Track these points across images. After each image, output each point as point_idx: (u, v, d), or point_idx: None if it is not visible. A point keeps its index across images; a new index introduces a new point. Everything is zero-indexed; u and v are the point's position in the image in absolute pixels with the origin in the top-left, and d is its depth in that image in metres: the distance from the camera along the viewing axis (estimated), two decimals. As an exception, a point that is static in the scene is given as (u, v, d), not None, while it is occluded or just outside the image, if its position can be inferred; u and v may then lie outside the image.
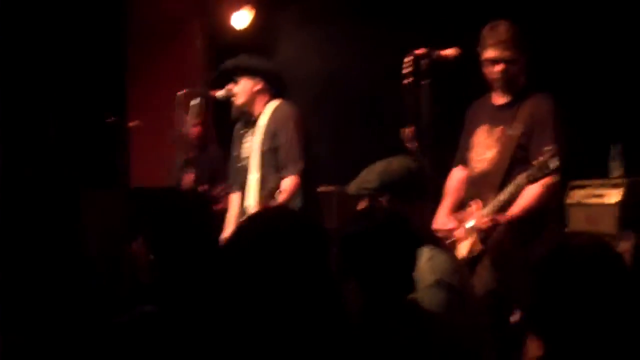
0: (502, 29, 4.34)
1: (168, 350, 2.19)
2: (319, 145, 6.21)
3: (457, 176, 4.61)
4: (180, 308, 2.42)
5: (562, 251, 1.98)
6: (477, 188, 4.33)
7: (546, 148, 4.04)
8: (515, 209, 4.13)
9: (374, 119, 6.46)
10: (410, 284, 2.79)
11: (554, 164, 3.87)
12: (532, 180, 3.95)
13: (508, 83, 4.37)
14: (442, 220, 4.42)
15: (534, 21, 5.16)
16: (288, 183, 4.91)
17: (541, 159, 3.91)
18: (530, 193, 4.12)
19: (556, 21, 5.79)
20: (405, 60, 4.37)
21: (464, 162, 4.55)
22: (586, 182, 5.29)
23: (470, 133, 4.50)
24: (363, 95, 6.62)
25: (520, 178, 4.01)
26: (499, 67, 4.34)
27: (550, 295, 1.93)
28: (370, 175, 3.39)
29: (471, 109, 4.62)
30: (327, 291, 2.14)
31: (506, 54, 4.32)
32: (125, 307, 2.53)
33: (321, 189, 6.35)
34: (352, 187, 3.44)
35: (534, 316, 1.96)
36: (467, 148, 4.52)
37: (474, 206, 4.30)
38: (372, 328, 2.70)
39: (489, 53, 4.35)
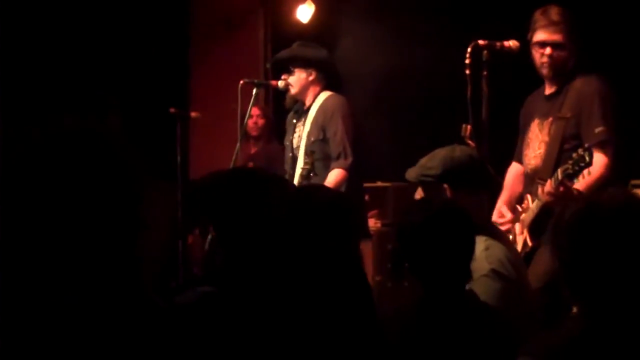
0: (553, 11, 4.23)
1: (229, 330, 2.21)
2: (377, 140, 6.24)
3: (513, 171, 4.55)
4: (237, 288, 2.44)
5: (592, 207, 1.95)
6: (532, 184, 4.26)
7: (597, 130, 3.95)
8: (580, 186, 3.94)
9: (434, 114, 6.44)
10: (467, 274, 2.76)
11: (589, 157, 3.70)
12: (569, 174, 3.78)
13: (555, 69, 4.24)
14: (497, 211, 4.38)
15: (595, 12, 5.11)
16: (334, 176, 4.92)
17: (579, 151, 3.77)
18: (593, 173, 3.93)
19: (619, 13, 5.71)
20: (468, 50, 4.36)
21: (520, 159, 4.50)
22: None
23: (525, 129, 4.44)
24: (424, 90, 6.60)
25: (558, 173, 3.87)
26: (546, 51, 4.23)
27: (581, 252, 1.91)
28: (432, 162, 3.34)
29: (525, 104, 4.56)
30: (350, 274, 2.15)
31: (555, 37, 4.20)
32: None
33: (378, 184, 6.37)
34: (412, 174, 3.40)
35: (567, 274, 1.94)
36: (523, 145, 4.46)
37: (526, 202, 4.24)
38: (429, 318, 2.70)
39: (539, 36, 4.24)
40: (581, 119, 4.13)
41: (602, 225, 1.91)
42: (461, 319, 2.66)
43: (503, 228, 4.18)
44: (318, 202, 2.24)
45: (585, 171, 3.74)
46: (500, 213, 4.34)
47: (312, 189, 3.25)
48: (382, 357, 2.17)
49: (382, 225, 6.30)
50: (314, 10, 7.16)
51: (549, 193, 3.92)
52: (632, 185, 5.21)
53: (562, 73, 4.27)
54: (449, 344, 2.59)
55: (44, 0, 6.53)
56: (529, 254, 4.07)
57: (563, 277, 1.96)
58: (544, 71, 4.29)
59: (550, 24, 4.22)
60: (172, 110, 6.77)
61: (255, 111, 5.70)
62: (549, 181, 3.94)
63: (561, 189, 3.86)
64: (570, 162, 3.77)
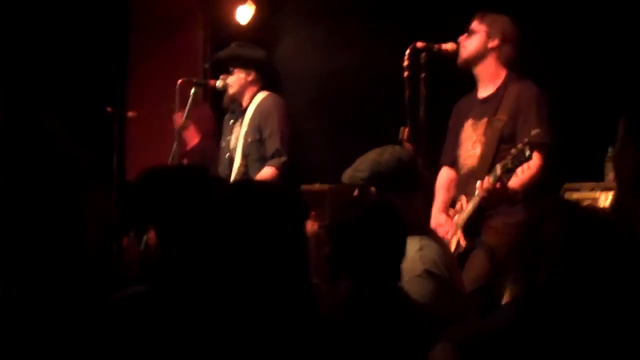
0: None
1: (160, 329, 2.19)
2: (315, 142, 6.24)
3: (444, 175, 4.58)
4: (171, 287, 2.41)
5: (564, 210, 1.98)
6: (465, 186, 4.30)
7: (533, 132, 4.02)
8: (515, 183, 4.04)
9: (373, 116, 6.46)
10: (397, 273, 2.79)
11: (529, 151, 3.80)
12: (508, 169, 3.87)
13: (469, 62, 4.39)
14: (434, 218, 4.41)
15: (531, 17, 5.18)
16: (264, 174, 4.91)
17: (518, 146, 3.86)
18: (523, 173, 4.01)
19: (553, 18, 5.79)
20: (406, 52, 4.40)
21: (451, 160, 4.53)
22: (580, 184, 5.28)
23: (457, 130, 4.48)
24: (362, 92, 6.62)
25: (496, 169, 3.95)
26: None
27: (551, 253, 1.93)
28: (362, 165, 3.40)
29: (457, 106, 4.61)
30: (297, 263, 2.15)
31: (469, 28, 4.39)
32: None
33: (316, 187, 6.37)
34: (346, 176, 3.45)
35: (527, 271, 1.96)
36: (454, 146, 4.50)
37: (459, 203, 4.28)
38: (360, 316, 2.70)
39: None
40: (518, 121, 4.22)
41: (584, 242, 1.93)
42: (392, 316, 2.68)
43: (441, 234, 4.21)
44: (257, 193, 2.22)
45: (525, 165, 3.82)
46: (437, 220, 4.37)
47: (249, 182, 3.27)
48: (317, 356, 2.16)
49: (320, 227, 6.29)
50: (253, 12, 7.14)
51: (486, 189, 3.97)
52: (565, 189, 5.30)
53: (495, 77, 4.38)
54: (379, 342, 2.60)
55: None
56: (462, 255, 4.11)
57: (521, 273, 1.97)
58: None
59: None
60: (108, 109, 6.71)
61: (192, 109, 5.65)
62: (486, 177, 4.00)
63: (498, 185, 3.92)
64: (510, 157, 3.86)
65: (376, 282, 2.73)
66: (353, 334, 2.58)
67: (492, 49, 4.36)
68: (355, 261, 2.76)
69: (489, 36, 4.36)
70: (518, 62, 4.39)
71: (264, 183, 3.06)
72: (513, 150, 3.86)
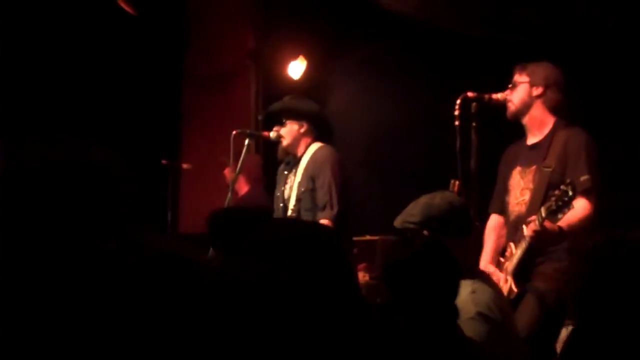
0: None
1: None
2: (366, 194, 6.29)
3: (492, 223, 4.60)
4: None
5: (614, 242, 1.99)
6: (514, 232, 4.31)
7: (582, 178, 4.05)
8: (562, 223, 4.03)
9: (422, 169, 6.50)
10: (454, 311, 2.80)
11: (572, 192, 3.82)
12: (552, 211, 3.87)
13: (518, 114, 4.45)
14: (482, 267, 4.42)
15: (580, 66, 5.23)
16: None
17: (562, 187, 3.87)
18: (574, 213, 4.03)
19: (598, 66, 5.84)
20: (457, 102, 4.46)
21: (500, 207, 4.56)
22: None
23: (506, 177, 4.51)
24: (412, 145, 6.68)
25: (541, 211, 3.95)
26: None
27: (597, 283, 1.94)
28: (414, 209, 3.44)
29: (505, 153, 4.65)
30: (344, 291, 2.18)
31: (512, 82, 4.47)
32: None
33: (366, 237, 6.40)
34: (398, 221, 3.49)
35: (579, 302, 1.97)
36: (503, 193, 4.52)
37: (509, 250, 4.29)
38: (417, 353, 2.72)
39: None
40: (567, 168, 4.23)
41: (623, 260, 1.95)
42: (450, 353, 2.69)
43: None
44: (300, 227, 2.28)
45: (572, 207, 3.83)
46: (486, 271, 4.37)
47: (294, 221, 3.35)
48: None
49: (371, 278, 6.31)
50: (305, 67, 7.27)
51: (533, 230, 3.98)
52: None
53: (542, 124, 4.43)
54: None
55: (43, 47, 6.61)
56: (514, 302, 4.10)
57: (572, 299, 1.99)
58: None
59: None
60: (164, 162, 6.84)
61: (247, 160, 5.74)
62: (533, 220, 4.02)
63: (546, 224, 3.94)
64: (554, 199, 3.87)
65: (431, 320, 2.74)
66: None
67: (538, 96, 4.41)
68: (409, 300, 2.77)
69: (532, 85, 4.42)
70: (566, 105, 4.43)
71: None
72: (557, 192, 3.88)
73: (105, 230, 1.70)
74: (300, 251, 2.16)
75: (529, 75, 4.43)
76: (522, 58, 4.59)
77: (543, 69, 4.42)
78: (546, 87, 4.40)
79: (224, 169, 6.33)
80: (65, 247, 1.64)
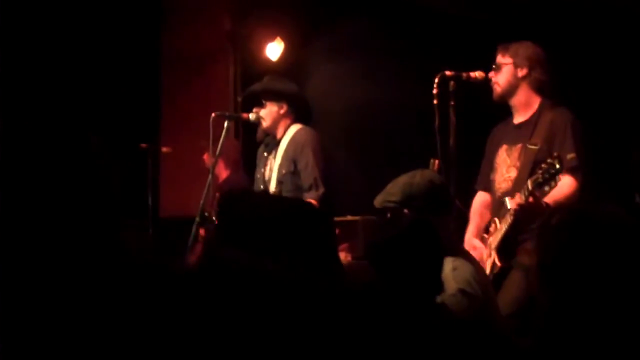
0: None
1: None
2: (346, 174, 6.30)
3: (479, 200, 4.64)
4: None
5: (582, 215, 2.00)
6: (499, 208, 4.34)
7: (569, 156, 4.08)
8: (548, 199, 4.05)
9: (401, 148, 6.52)
10: (439, 286, 2.82)
11: (559, 164, 3.84)
12: (539, 183, 3.90)
13: (505, 96, 4.47)
14: (467, 243, 4.45)
15: (560, 42, 5.25)
16: None
17: (548, 160, 3.90)
18: (560, 190, 4.06)
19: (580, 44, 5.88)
20: (435, 80, 4.48)
21: (486, 185, 4.59)
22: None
23: (492, 155, 4.54)
24: (390, 124, 6.70)
25: (528, 184, 3.98)
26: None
27: (567, 255, 1.95)
28: (394, 188, 3.46)
29: (492, 133, 4.68)
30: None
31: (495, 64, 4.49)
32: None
33: (348, 218, 6.42)
34: (377, 200, 3.51)
35: (547, 273, 1.99)
36: (489, 171, 4.55)
37: (493, 225, 4.33)
38: (399, 326, 2.73)
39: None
40: (553, 146, 4.25)
41: (591, 234, 1.96)
42: (431, 329, 2.70)
43: (476, 257, 4.24)
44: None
45: (559, 182, 3.86)
46: (471, 245, 4.41)
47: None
48: None
49: (353, 258, 6.33)
50: (283, 48, 7.26)
51: (518, 204, 4.01)
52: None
53: (529, 104, 4.45)
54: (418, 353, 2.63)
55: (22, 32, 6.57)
56: (498, 276, 4.14)
57: (540, 278, 2.01)
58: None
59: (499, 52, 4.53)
60: (143, 145, 6.81)
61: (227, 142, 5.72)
62: (517, 194, 4.04)
63: (530, 199, 3.96)
64: (540, 171, 3.89)
65: (416, 295, 2.76)
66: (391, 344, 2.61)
67: (523, 77, 4.43)
68: (395, 278, 2.79)
69: (516, 66, 4.43)
70: (551, 84, 4.45)
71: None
72: (543, 165, 3.89)
73: (91, 219, 1.71)
74: (289, 227, 2.18)
75: (512, 56, 4.44)
76: (501, 36, 4.61)
77: (525, 49, 4.44)
78: (530, 67, 4.42)
79: (204, 153, 6.33)
80: (54, 239, 1.65)
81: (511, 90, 4.45)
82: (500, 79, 4.46)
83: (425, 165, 4.58)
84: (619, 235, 1.95)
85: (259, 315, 1.71)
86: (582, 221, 1.98)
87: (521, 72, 4.43)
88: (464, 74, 4.51)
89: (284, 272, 1.89)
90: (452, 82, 4.51)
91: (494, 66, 4.49)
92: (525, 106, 4.45)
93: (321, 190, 5.03)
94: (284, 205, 2.34)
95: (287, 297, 1.79)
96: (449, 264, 3.20)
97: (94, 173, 1.80)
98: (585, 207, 2.12)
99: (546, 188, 3.90)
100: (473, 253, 4.26)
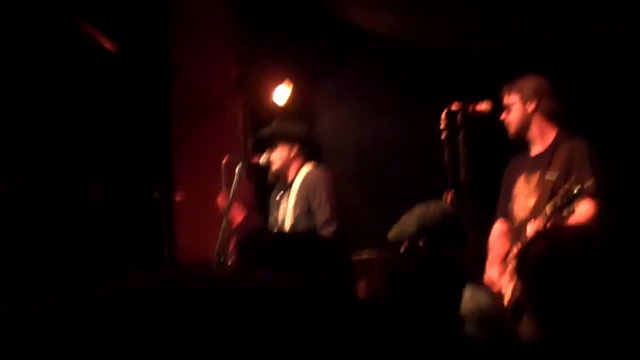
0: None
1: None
2: (360, 212, 6.31)
3: (497, 229, 4.65)
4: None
5: (554, 244, 2.05)
6: (518, 236, 4.35)
7: (587, 184, 4.10)
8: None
9: (414, 183, 6.53)
10: (458, 320, 2.82)
11: (577, 189, 3.86)
12: (557, 208, 3.93)
13: (519, 133, 4.50)
14: (487, 273, 4.44)
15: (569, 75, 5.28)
16: None
17: (565, 186, 3.92)
18: (578, 216, 4.08)
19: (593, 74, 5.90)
20: (442, 115, 4.50)
21: (504, 214, 4.59)
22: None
23: (511, 186, 4.56)
24: (402, 160, 6.71)
25: (546, 209, 4.01)
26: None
27: (544, 287, 2.00)
28: (408, 220, 3.46)
29: (510, 165, 4.70)
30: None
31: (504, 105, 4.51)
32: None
33: (364, 255, 6.41)
34: (392, 233, 3.51)
35: (534, 304, 2.03)
36: (507, 201, 4.56)
37: (512, 253, 4.32)
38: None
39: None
40: (571, 174, 4.26)
41: (563, 262, 2.00)
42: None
43: (497, 288, 4.24)
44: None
45: (577, 209, 3.87)
46: (489, 279, 4.40)
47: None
48: None
49: (370, 295, 6.31)
50: (291, 90, 7.28)
51: (537, 231, 4.02)
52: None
53: (545, 136, 4.50)
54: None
55: (28, 82, 6.62)
56: (519, 302, 4.12)
57: (528, 304, 2.05)
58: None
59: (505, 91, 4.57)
60: (156, 195, 6.82)
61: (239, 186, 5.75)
62: (537, 219, 4.05)
63: (549, 225, 3.97)
64: (559, 196, 3.93)
65: (436, 329, 2.76)
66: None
67: (533, 110, 4.45)
68: (416, 313, 2.79)
69: (524, 101, 4.45)
70: (564, 111, 4.47)
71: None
72: (561, 190, 3.92)
73: (100, 269, 1.73)
74: (303, 260, 2.20)
75: (518, 93, 4.47)
76: (503, 68, 4.65)
77: (530, 83, 4.47)
78: (539, 98, 4.44)
79: (217, 198, 6.34)
80: (60, 288, 1.66)
81: (524, 126, 4.48)
82: (512, 119, 4.49)
83: (438, 199, 4.59)
84: (587, 252, 2.00)
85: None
86: (553, 249, 2.03)
87: (530, 106, 4.45)
88: (470, 107, 4.55)
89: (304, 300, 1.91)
90: (459, 115, 4.54)
91: (503, 108, 4.51)
92: (541, 137, 4.48)
93: (335, 225, 5.04)
94: (301, 240, 2.37)
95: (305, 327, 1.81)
96: (466, 293, 3.19)
97: (95, 227, 1.81)
98: (549, 232, 2.19)
99: (564, 213, 3.91)
100: (493, 282, 4.27)
